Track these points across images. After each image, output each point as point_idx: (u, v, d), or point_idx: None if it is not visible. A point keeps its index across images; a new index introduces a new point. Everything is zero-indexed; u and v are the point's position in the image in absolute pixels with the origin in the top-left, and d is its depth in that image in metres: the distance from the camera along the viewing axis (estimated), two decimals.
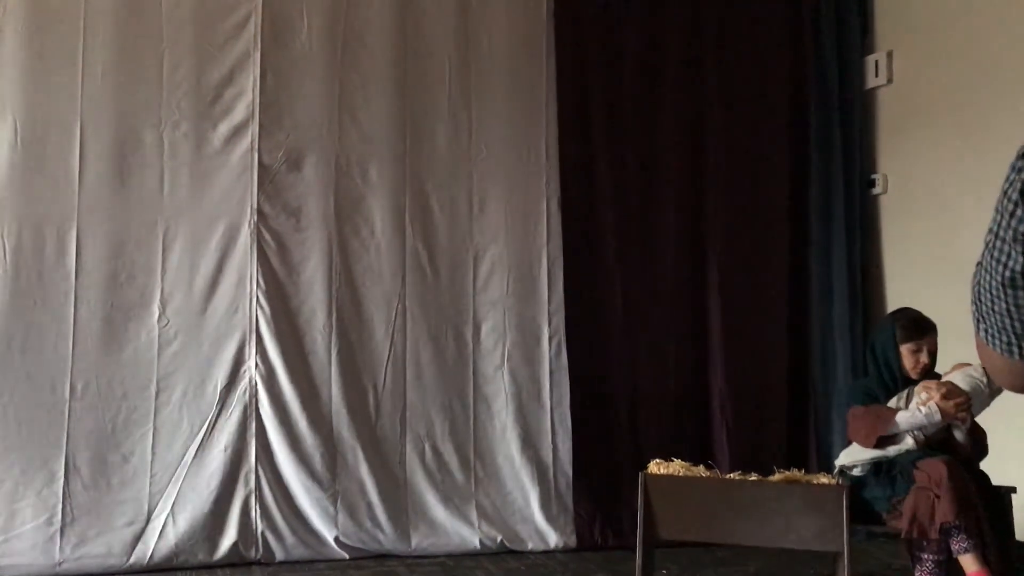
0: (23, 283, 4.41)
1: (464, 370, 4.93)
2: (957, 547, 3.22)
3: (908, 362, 3.60)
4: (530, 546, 4.78)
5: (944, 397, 3.42)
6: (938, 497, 3.23)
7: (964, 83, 5.01)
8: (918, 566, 3.32)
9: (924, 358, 3.59)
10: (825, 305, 5.46)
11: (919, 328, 3.61)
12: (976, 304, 1.10)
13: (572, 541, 4.83)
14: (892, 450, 3.49)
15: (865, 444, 3.52)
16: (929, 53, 5.27)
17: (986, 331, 1.10)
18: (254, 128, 4.73)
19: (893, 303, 5.15)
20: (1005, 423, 3.70)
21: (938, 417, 3.42)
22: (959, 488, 3.22)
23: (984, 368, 3.35)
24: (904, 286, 5.29)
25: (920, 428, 3.45)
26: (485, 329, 4.98)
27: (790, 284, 5.52)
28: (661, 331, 5.32)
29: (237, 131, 4.72)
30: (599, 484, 5.02)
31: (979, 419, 3.53)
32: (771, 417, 5.40)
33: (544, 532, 4.83)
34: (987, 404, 3.48)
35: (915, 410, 3.45)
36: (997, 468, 3.54)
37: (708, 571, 4.38)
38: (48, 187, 4.47)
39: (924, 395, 3.46)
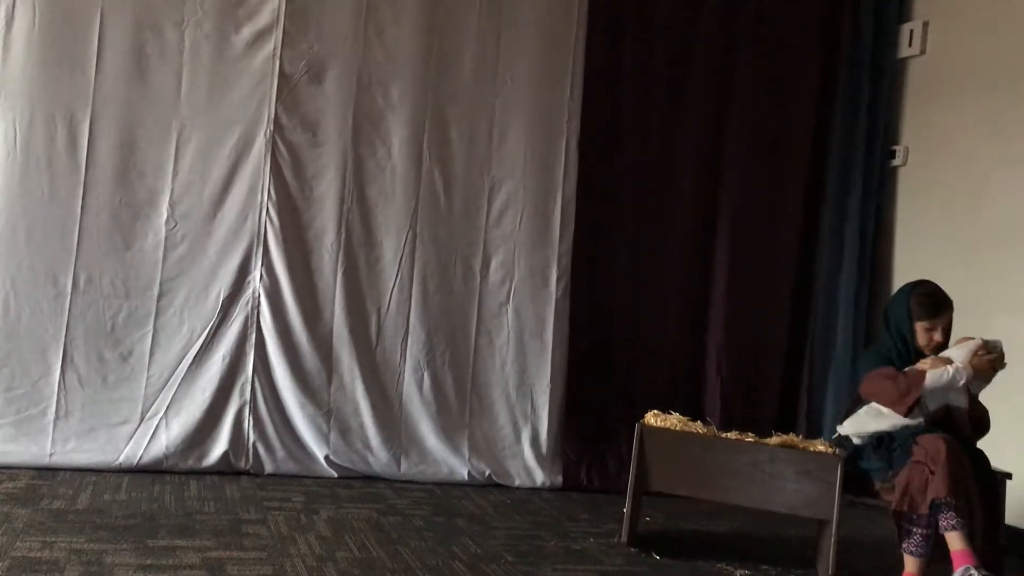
0: (32, 171, 4.36)
1: (470, 302, 4.91)
2: (945, 524, 3.24)
3: (921, 339, 3.59)
4: (517, 482, 4.81)
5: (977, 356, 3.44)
6: (932, 473, 3.24)
7: (997, 59, 4.93)
8: (906, 538, 3.35)
9: (938, 336, 3.57)
10: (833, 273, 5.44)
11: (935, 307, 3.57)
12: None
13: (558, 480, 4.88)
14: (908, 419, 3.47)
15: (898, 409, 3.47)
16: (965, 26, 5.18)
17: None
18: (278, 35, 4.64)
19: (902, 276, 5.13)
20: (1009, 408, 3.73)
21: (963, 379, 3.41)
22: (955, 466, 3.23)
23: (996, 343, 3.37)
24: (915, 260, 5.26)
25: (944, 389, 3.43)
26: (494, 263, 4.95)
27: (800, 249, 5.51)
28: (667, 282, 5.31)
29: (260, 36, 4.63)
30: (590, 427, 5.05)
31: (982, 398, 3.53)
32: (765, 378, 5.42)
33: (532, 469, 4.86)
34: (988, 381, 3.48)
35: (943, 372, 3.44)
36: (997, 454, 3.56)
37: (690, 523, 4.43)
38: (64, 75, 4.39)
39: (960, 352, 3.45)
